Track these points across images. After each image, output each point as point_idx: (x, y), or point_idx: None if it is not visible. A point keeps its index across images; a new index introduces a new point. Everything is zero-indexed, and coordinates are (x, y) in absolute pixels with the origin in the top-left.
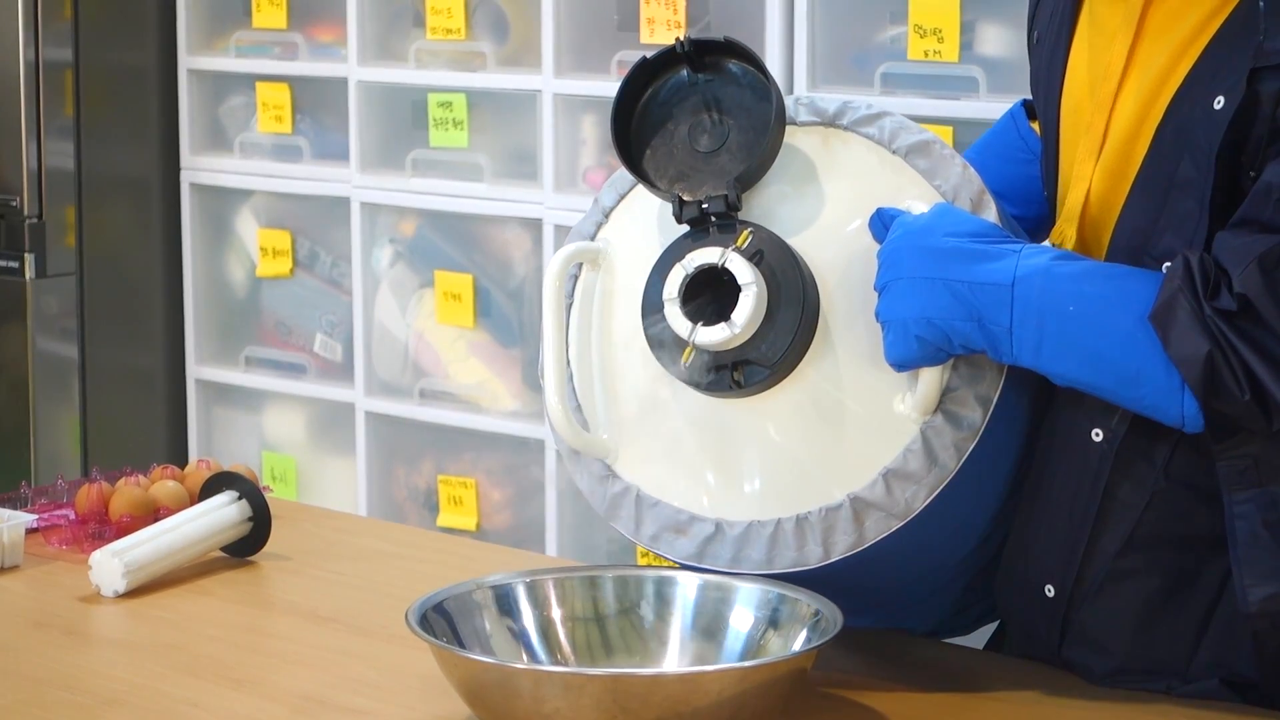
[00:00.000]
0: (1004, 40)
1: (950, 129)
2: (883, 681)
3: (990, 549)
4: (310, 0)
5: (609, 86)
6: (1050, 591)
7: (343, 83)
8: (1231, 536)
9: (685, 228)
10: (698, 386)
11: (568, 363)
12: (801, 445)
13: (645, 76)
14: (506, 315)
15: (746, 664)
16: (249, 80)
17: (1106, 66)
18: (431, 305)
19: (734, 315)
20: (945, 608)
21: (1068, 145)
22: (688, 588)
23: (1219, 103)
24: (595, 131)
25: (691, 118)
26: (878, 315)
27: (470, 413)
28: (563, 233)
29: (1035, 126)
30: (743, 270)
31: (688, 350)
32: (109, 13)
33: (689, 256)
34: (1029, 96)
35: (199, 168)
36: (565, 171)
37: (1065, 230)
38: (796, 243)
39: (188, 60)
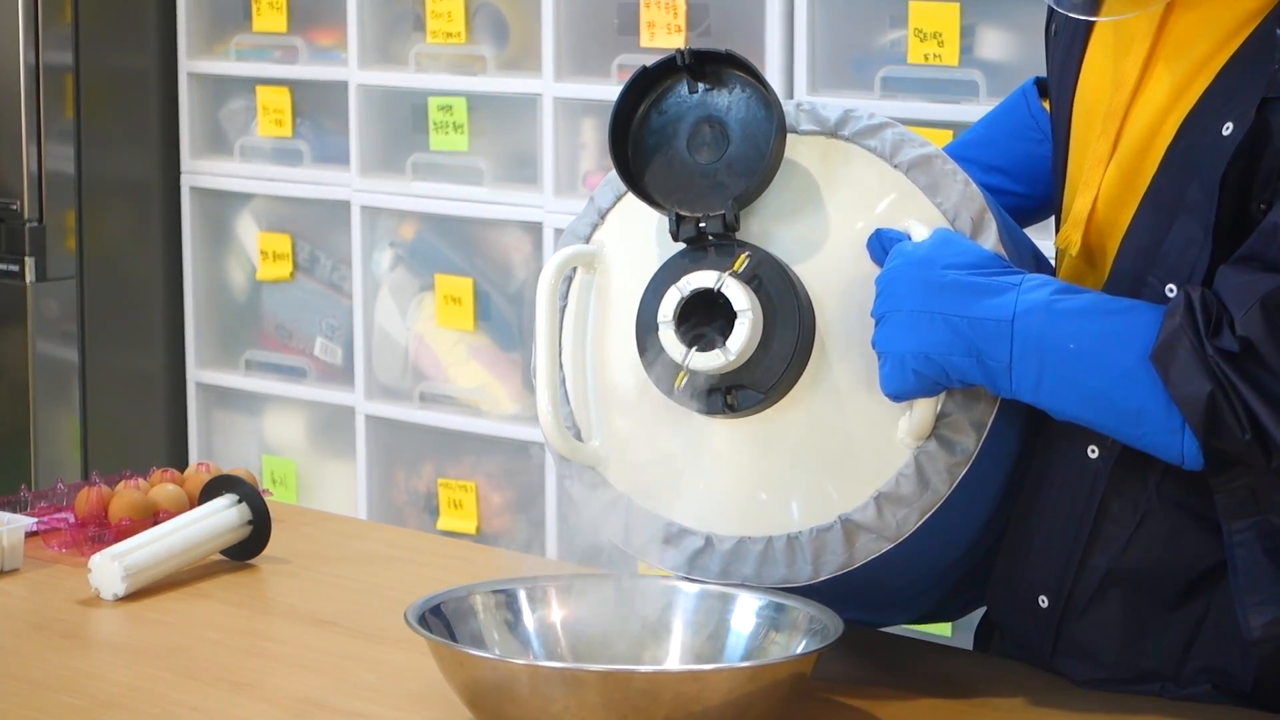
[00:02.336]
0: (1004, 44)
1: (950, 133)
2: (878, 686)
3: (979, 552)
4: (310, 4)
5: (609, 90)
6: (1044, 602)
7: (343, 86)
8: (1232, 564)
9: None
10: (691, 407)
11: (560, 366)
12: (794, 465)
13: (644, 86)
14: (506, 319)
15: (755, 664)
16: (249, 84)
17: (1122, 75)
18: (432, 309)
19: (729, 342)
20: (932, 602)
21: (1078, 146)
22: (687, 594)
23: (1228, 129)
24: (595, 135)
25: (690, 130)
26: (874, 344)
27: (470, 416)
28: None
29: (1047, 105)
30: (739, 296)
31: (681, 374)
32: (109, 16)
33: (685, 279)
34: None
35: (199, 171)
36: (565, 175)
37: (1071, 235)
38: (794, 262)
39: (188, 64)
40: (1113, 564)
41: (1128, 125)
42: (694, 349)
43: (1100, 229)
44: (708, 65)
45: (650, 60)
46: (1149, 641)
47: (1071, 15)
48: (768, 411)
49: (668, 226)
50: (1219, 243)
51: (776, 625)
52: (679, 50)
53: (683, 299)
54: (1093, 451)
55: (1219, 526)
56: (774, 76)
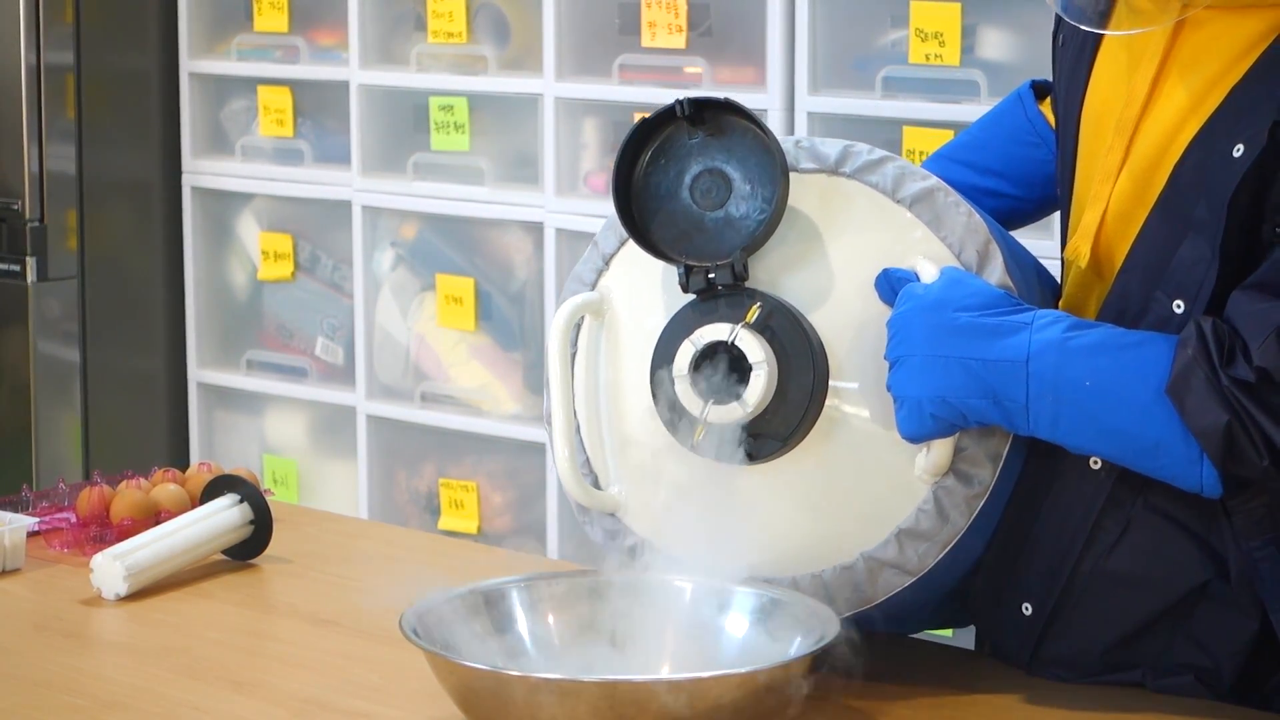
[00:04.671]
0: (1005, 44)
1: (951, 133)
2: (877, 684)
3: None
4: (311, 3)
5: (610, 90)
6: (1028, 610)
7: (344, 86)
8: (1258, 578)
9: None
10: (710, 457)
11: (574, 414)
12: (814, 507)
13: (643, 137)
14: (508, 318)
15: (744, 670)
16: (250, 84)
17: (1133, 89)
18: (433, 308)
19: (745, 395)
20: (949, 613)
21: (1086, 158)
22: (684, 591)
23: (1238, 150)
24: (596, 135)
25: (693, 179)
26: (890, 389)
27: (471, 416)
28: (564, 236)
29: (1044, 108)
30: (753, 348)
31: (700, 428)
32: (110, 16)
33: (698, 332)
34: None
35: (200, 171)
36: (566, 175)
37: (1080, 247)
38: (803, 306)
39: (189, 64)
40: (1095, 568)
41: (1138, 140)
42: (711, 402)
43: (1109, 242)
44: (706, 113)
45: (650, 60)
46: (1131, 645)
47: (1080, 27)
48: (787, 456)
49: (676, 277)
50: (1227, 261)
51: (772, 623)
52: (678, 100)
53: (696, 353)
54: (1095, 464)
55: (1201, 539)
56: (775, 76)
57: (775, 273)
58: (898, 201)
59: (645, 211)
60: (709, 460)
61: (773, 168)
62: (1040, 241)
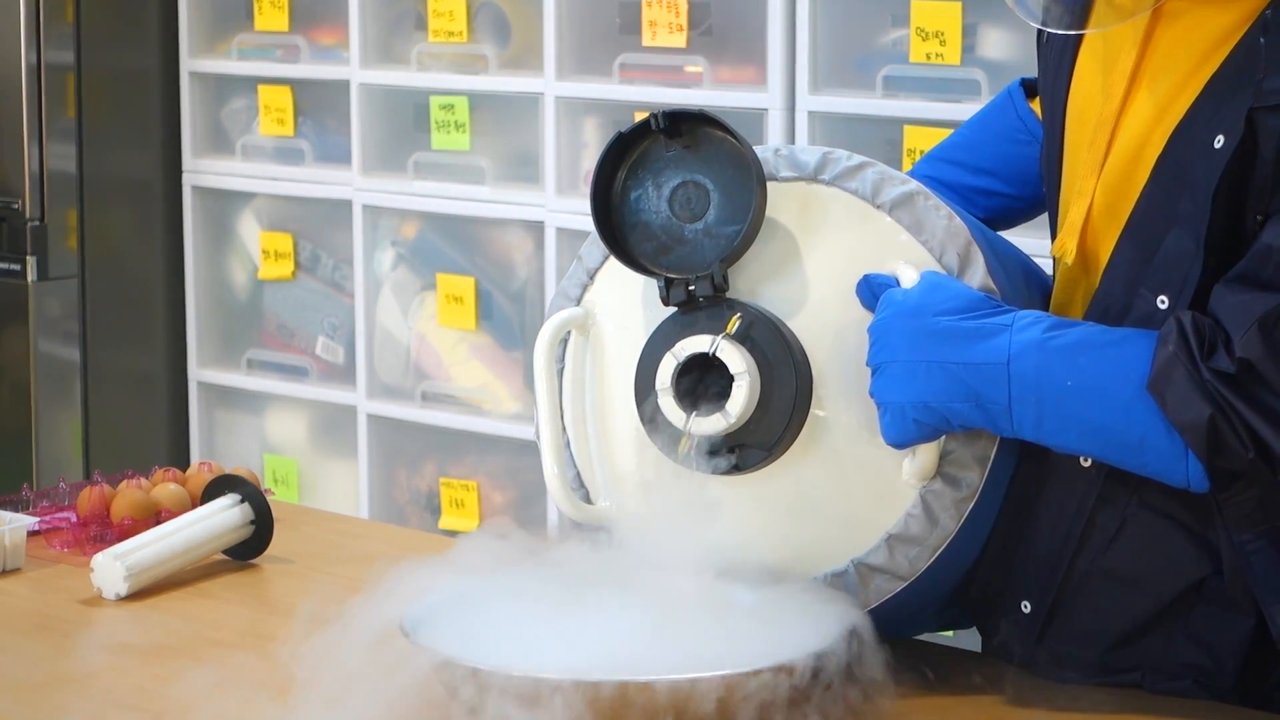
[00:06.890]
0: (1006, 43)
1: (951, 132)
2: (874, 682)
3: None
4: (312, 3)
5: (611, 89)
6: (1027, 608)
7: (345, 85)
8: (1250, 572)
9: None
10: (696, 469)
11: (563, 429)
12: (803, 515)
13: (620, 151)
14: (508, 318)
15: (745, 670)
16: (251, 83)
17: (1110, 85)
18: (433, 308)
19: (728, 405)
20: (951, 616)
21: (1071, 154)
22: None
23: (1219, 142)
24: (597, 134)
25: (670, 190)
26: (873, 395)
27: (472, 415)
28: (564, 235)
29: (1034, 106)
30: (734, 359)
31: (684, 440)
32: (111, 15)
33: (679, 345)
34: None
35: (201, 170)
36: (567, 174)
37: (1066, 243)
38: (784, 315)
39: (189, 63)
40: (1092, 565)
41: (1118, 136)
42: (694, 414)
43: (1095, 237)
44: (682, 125)
45: (651, 59)
46: (1130, 646)
47: (1060, 32)
48: (773, 465)
49: (657, 290)
50: (1211, 254)
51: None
52: (652, 114)
53: (678, 365)
54: (1086, 462)
55: (1198, 536)
56: (775, 76)
57: (756, 282)
58: (878, 207)
59: (624, 225)
60: (696, 475)
61: (749, 178)
62: (1038, 241)
